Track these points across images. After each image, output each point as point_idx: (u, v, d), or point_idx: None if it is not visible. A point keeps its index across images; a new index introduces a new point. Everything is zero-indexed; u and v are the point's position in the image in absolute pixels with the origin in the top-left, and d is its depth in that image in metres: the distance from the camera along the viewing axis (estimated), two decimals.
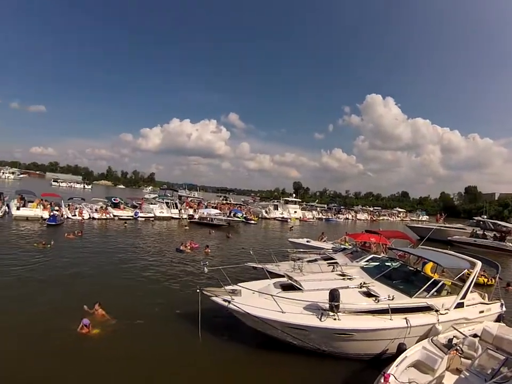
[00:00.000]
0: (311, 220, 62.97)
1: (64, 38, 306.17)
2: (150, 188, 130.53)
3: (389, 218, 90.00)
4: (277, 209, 60.57)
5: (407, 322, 8.76)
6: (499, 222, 40.36)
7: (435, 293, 9.97)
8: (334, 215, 74.73)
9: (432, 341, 8.17)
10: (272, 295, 9.01)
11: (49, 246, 18.98)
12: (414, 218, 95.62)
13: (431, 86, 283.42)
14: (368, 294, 9.86)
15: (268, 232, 41.70)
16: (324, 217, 70.42)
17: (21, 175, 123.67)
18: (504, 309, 11.18)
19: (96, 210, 35.02)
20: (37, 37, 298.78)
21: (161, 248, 22.53)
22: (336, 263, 14.53)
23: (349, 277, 11.41)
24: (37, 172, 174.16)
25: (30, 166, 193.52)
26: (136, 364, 8.03)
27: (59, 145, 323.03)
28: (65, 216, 31.18)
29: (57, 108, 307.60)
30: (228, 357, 8.88)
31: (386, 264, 12.88)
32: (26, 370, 7.39)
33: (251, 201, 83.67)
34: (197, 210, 44.27)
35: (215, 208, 47.38)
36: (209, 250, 21.91)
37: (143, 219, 37.38)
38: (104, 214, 34.52)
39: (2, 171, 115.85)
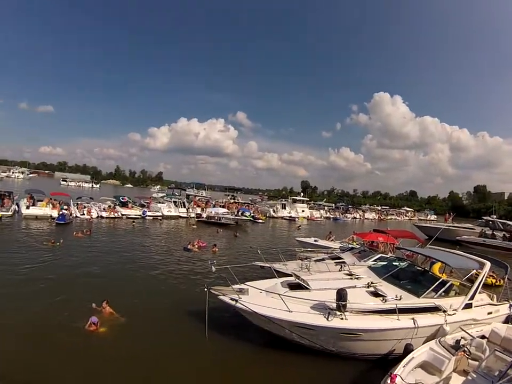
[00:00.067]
0: (318, 219, 62.88)
1: (64, 38, 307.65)
2: (158, 187, 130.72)
3: (397, 218, 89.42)
4: (285, 208, 60.61)
5: (414, 323, 8.73)
6: (508, 222, 39.89)
7: (443, 294, 9.91)
8: (342, 214, 74.51)
9: (439, 342, 8.13)
10: (279, 294, 9.02)
11: (58, 244, 19.16)
12: (422, 218, 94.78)
13: (439, 84, 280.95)
14: (376, 294, 9.84)
15: (276, 231, 41.75)
16: (332, 216, 70.20)
17: (30, 175, 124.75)
18: None
19: (104, 209, 35.32)
20: (37, 37, 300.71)
21: (169, 247, 22.66)
22: (343, 262, 14.51)
23: (357, 277, 11.39)
24: (46, 172, 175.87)
25: (39, 166, 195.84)
26: (143, 362, 8.09)
27: (68, 145, 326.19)
28: (74, 215, 31.44)
29: (65, 108, 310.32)
30: (235, 355, 8.92)
31: (394, 263, 12.82)
32: (33, 366, 7.51)
33: (259, 200, 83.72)
34: (204, 209, 44.41)
35: (223, 207, 47.42)
36: (216, 249, 21.99)
37: (151, 218, 37.54)
38: (112, 213, 34.80)
39: (12, 171, 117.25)
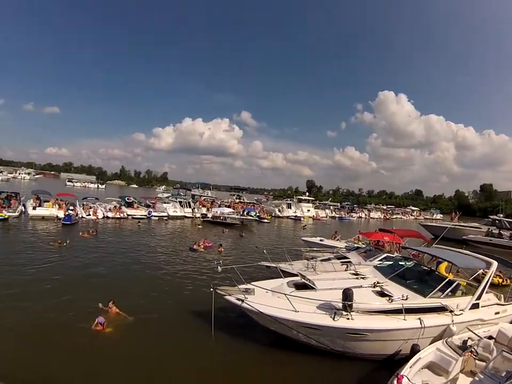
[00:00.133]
0: (324, 219, 62.74)
1: (64, 38, 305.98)
2: (163, 187, 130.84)
3: (403, 217, 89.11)
4: (290, 208, 60.64)
5: (421, 323, 8.70)
6: None
7: (450, 293, 9.85)
8: (347, 213, 74.35)
9: (446, 342, 8.08)
10: (285, 294, 9.03)
11: (64, 245, 19.29)
12: (428, 217, 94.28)
13: (444, 82, 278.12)
14: (382, 294, 9.82)
15: (281, 231, 41.75)
16: (337, 215, 70.08)
17: (37, 176, 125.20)
18: None
19: (110, 209, 35.47)
20: (37, 37, 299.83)
21: (175, 247, 22.72)
22: (349, 262, 14.49)
23: (363, 276, 11.37)
24: (52, 172, 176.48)
25: (45, 167, 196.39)
26: (149, 362, 8.13)
27: (73, 146, 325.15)
28: (80, 216, 31.54)
29: (70, 109, 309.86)
30: (241, 356, 8.94)
31: (400, 263, 12.76)
32: (36, 366, 7.55)
33: (264, 200, 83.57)
34: (210, 209, 44.44)
35: (229, 207, 47.45)
36: (222, 249, 22.02)
37: (157, 218, 37.65)
38: (118, 214, 34.92)
39: (18, 172, 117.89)
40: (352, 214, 75.33)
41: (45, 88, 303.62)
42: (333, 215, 69.48)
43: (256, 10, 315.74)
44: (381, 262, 14.31)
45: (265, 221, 46.92)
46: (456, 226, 38.25)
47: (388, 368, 8.04)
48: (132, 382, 7.52)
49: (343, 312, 8.62)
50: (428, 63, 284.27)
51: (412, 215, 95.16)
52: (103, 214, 33.85)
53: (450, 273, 12.87)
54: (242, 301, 9.09)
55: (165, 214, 39.32)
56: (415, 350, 8.09)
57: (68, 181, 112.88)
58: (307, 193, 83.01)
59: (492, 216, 43.72)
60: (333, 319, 8.52)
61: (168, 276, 15.34)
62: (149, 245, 22.55)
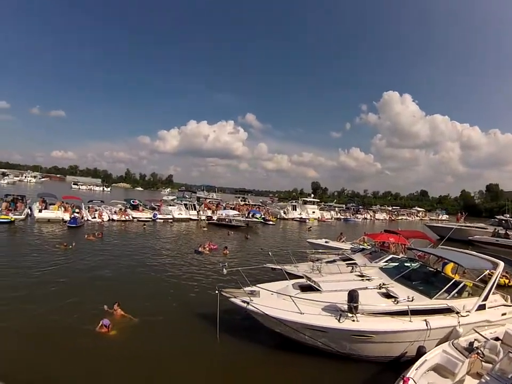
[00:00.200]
0: (329, 220, 62.49)
1: (64, 38, 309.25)
2: (168, 189, 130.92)
3: (408, 218, 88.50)
4: (295, 210, 60.42)
5: (427, 325, 8.64)
6: None
7: (456, 295, 9.78)
8: (353, 215, 74.08)
9: (452, 344, 8.03)
10: (290, 296, 9.04)
11: (70, 247, 19.38)
12: (433, 218, 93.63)
13: (449, 81, 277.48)
14: (387, 295, 9.78)
15: (286, 233, 41.65)
16: (342, 217, 69.85)
17: (42, 179, 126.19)
18: None
19: (115, 212, 35.54)
20: (37, 37, 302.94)
21: (180, 249, 22.76)
22: (355, 263, 14.47)
23: (368, 278, 11.33)
24: (58, 175, 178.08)
25: (51, 170, 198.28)
26: (154, 363, 8.15)
27: (78, 149, 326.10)
28: (86, 218, 31.70)
29: (75, 112, 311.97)
30: (247, 358, 8.93)
31: (406, 264, 12.70)
32: (39, 367, 7.59)
33: (269, 202, 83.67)
34: (215, 211, 44.44)
35: (234, 209, 47.48)
36: (228, 252, 22.04)
37: (162, 221, 37.71)
38: (123, 216, 35.01)
39: (24, 175, 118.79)
40: (357, 215, 75.06)
41: (46, 89, 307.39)
42: (338, 216, 69.19)
43: (256, 10, 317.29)
44: (387, 263, 14.25)
45: (271, 223, 46.81)
46: (462, 227, 38.01)
47: (394, 370, 7.99)
48: (135, 383, 7.55)
49: (349, 314, 8.58)
50: (432, 63, 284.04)
51: (417, 216, 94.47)
52: (109, 216, 33.99)
53: (456, 274, 12.79)
54: (248, 303, 9.08)
55: (170, 216, 39.39)
56: (421, 352, 8.03)
57: (74, 184, 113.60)
58: (312, 195, 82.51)
59: (498, 217, 43.43)
60: (339, 321, 8.49)
61: (174, 278, 15.36)
62: (154, 248, 22.60)
